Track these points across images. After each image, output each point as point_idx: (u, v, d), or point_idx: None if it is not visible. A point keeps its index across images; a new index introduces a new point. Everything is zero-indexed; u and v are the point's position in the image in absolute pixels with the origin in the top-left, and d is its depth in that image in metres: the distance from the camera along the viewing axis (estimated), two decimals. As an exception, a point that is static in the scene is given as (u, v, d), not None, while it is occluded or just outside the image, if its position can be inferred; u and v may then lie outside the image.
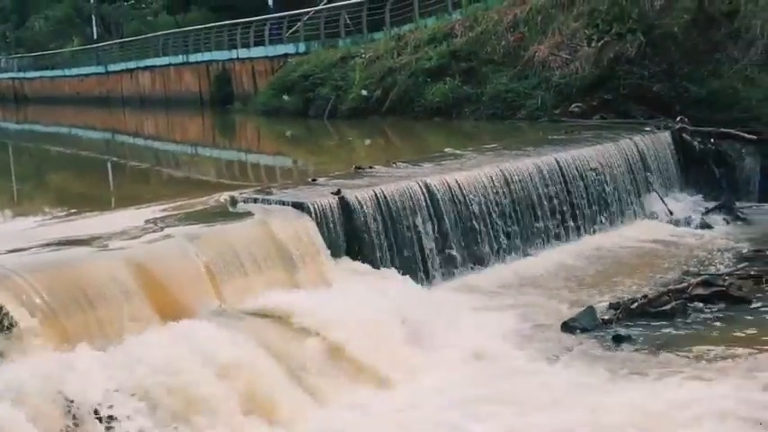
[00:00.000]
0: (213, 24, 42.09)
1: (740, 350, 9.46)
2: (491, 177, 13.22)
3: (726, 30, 18.72)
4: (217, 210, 11.13)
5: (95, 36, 60.83)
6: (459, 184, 12.73)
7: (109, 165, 24.54)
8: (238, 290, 9.39)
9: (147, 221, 10.25)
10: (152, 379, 7.40)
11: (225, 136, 31.99)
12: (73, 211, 12.65)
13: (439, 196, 12.36)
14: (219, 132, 33.44)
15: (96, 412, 6.99)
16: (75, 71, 58.27)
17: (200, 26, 43.66)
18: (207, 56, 41.67)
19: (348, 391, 8.54)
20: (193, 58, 43.02)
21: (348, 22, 33.17)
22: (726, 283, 11.45)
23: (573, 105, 19.91)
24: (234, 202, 11.33)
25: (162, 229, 9.88)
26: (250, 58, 37.61)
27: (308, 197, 11.31)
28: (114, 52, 53.65)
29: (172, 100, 44.17)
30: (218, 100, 39.33)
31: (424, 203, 12.16)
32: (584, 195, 14.57)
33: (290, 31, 36.08)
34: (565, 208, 14.19)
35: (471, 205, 12.72)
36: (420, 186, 12.28)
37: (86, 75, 56.36)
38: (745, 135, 16.86)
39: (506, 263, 12.95)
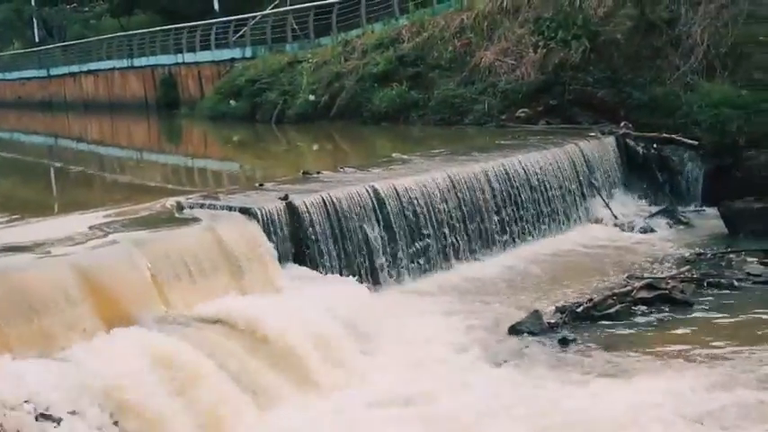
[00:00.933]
0: (159, 28, 41.67)
1: (682, 352, 9.63)
2: (439, 182, 13.28)
3: (667, 36, 19.02)
4: (163, 215, 11.02)
5: (37, 39, 59.75)
6: (407, 189, 12.77)
7: (52, 170, 24.13)
8: (185, 296, 9.31)
9: (91, 227, 10.12)
10: (96, 387, 7.29)
11: (171, 141, 31.67)
12: (15, 217, 12.39)
13: (387, 201, 12.38)
14: (165, 137, 33.10)
15: (38, 420, 6.86)
16: (16, 75, 57.26)
17: (145, 30, 43.20)
18: (152, 60, 41.22)
19: (295, 396, 8.51)
20: (138, 62, 42.53)
21: (295, 26, 33.09)
22: (669, 287, 11.65)
23: (519, 111, 20.07)
24: (180, 207, 11.23)
25: (107, 235, 9.76)
26: (196, 63, 37.30)
27: (256, 202, 11.25)
28: (57, 56, 52.77)
29: (117, 104, 43.60)
30: (164, 105, 38.91)
31: (372, 208, 12.18)
32: (531, 200, 14.69)
33: (237, 35, 35.89)
34: (512, 212, 14.30)
35: (419, 210, 12.76)
36: (368, 191, 12.29)
37: (28, 78, 55.42)
38: (687, 140, 17.15)
39: (454, 267, 13.03)
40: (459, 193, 13.45)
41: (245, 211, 10.92)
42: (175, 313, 9.04)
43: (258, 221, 10.79)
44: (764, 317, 10.74)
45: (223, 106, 30.45)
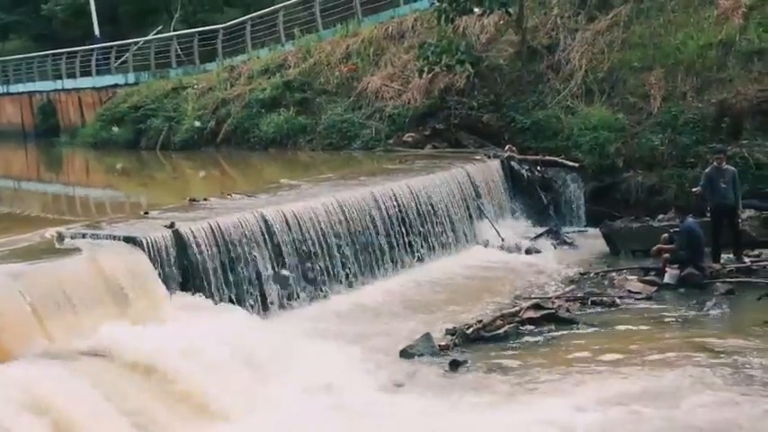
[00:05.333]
0: (35, 54, 40.47)
1: (569, 370, 9.83)
2: (328, 207, 13.26)
3: (548, 62, 19.56)
4: (43, 246, 10.65)
5: None
6: (295, 215, 12.69)
7: None
8: (68, 329, 9.01)
9: (-35, 261, 9.68)
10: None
11: (51, 170, 30.72)
12: None
13: (275, 227, 12.28)
14: (45, 166, 32.08)
15: None
16: None
17: (20, 56, 41.87)
18: (29, 86, 39.99)
19: (186, 428, 8.29)
20: (14, 88, 41.15)
21: (179, 52, 32.68)
22: (555, 306, 11.92)
23: (406, 135, 20.26)
24: (61, 237, 10.87)
25: (-18, 268, 9.35)
26: (77, 89, 36.36)
27: (141, 231, 10.99)
28: (-72, 82, 50.56)
29: (-9, 132, 42.04)
30: (43, 132, 37.74)
31: (260, 235, 12.05)
32: (419, 224, 14.81)
33: (119, 61, 35.19)
34: (401, 237, 14.38)
35: (308, 236, 12.70)
36: (256, 218, 12.17)
37: None
38: (568, 163, 17.61)
39: (344, 292, 12.99)
40: (348, 218, 13.45)
41: (129, 240, 10.65)
42: (58, 347, 8.72)
43: (144, 250, 10.53)
44: (646, 333, 11.07)
45: (106, 133, 29.78)
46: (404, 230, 14.46)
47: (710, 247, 13.69)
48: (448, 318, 11.91)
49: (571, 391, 9.15)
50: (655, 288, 12.90)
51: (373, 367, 10.03)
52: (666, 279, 13.08)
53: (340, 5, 26.92)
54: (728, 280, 13.00)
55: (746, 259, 13.73)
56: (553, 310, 11.73)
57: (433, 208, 15.16)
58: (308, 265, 12.66)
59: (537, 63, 19.74)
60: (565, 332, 11.26)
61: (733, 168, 14.10)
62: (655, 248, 13.54)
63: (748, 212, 14.65)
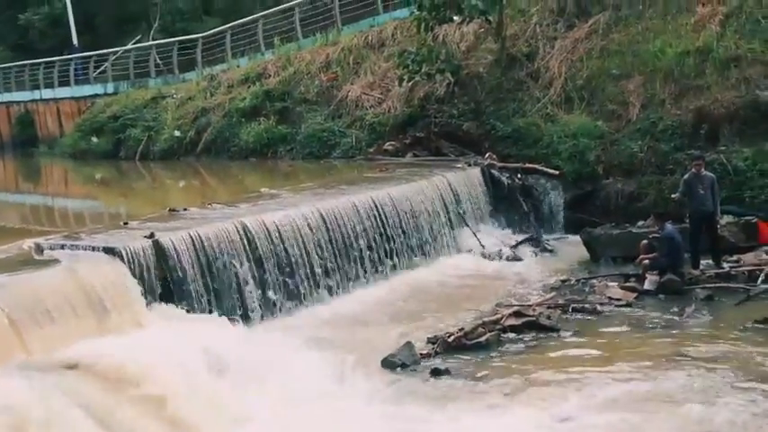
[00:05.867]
0: (13, 64, 40.22)
1: (551, 378, 9.84)
2: (308, 217, 13.23)
3: (527, 70, 19.64)
4: (21, 258, 10.55)
5: None
6: (276, 225, 12.66)
7: None
8: (46, 341, 8.93)
9: (-59, 273, 9.59)
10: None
11: (29, 180, 30.53)
12: None
13: (256, 237, 12.23)
14: (23, 177, 31.88)
15: None
16: None
17: (-2, 66, 41.68)
18: (7, 96, 39.73)
19: (166, 441, 8.24)
20: (-8, 98, 40.92)
21: (158, 61, 32.58)
22: (536, 313, 11.92)
23: (387, 144, 20.27)
24: (40, 249, 10.78)
25: (-41, 280, 9.27)
26: (55, 99, 36.19)
27: (120, 241, 10.91)
28: None
29: (-31, 143, 41.70)
30: (21, 143, 37.51)
31: (241, 245, 12.00)
32: (400, 232, 14.81)
33: (98, 71, 35.05)
34: (382, 245, 14.37)
35: (289, 245, 12.66)
36: (237, 227, 12.12)
37: None
38: (548, 170, 17.66)
39: (325, 301, 12.96)
40: (329, 227, 13.43)
41: (109, 250, 10.58)
42: (36, 359, 8.63)
43: (123, 261, 10.46)
44: (626, 340, 11.10)
45: (84, 143, 29.64)
46: (385, 239, 14.46)
47: (690, 253, 13.76)
48: (429, 326, 11.89)
49: (553, 398, 9.15)
50: (635, 294, 12.94)
51: (354, 376, 9.99)
52: (646, 285, 13.14)
53: (319, 14, 26.97)
54: (708, 286, 13.07)
55: (725, 265, 13.81)
56: (534, 318, 11.74)
57: (413, 216, 15.16)
58: (289, 273, 12.62)
59: (516, 71, 19.81)
60: (546, 339, 11.28)
61: (711, 175, 14.19)
62: (638, 260, 13.58)
63: (727, 218, 14.74)
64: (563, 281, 14.05)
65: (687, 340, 10.81)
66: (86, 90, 34.65)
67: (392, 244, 14.58)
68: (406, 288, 13.86)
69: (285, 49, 26.34)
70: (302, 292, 12.77)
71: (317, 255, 13.11)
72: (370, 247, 14.11)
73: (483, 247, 16.01)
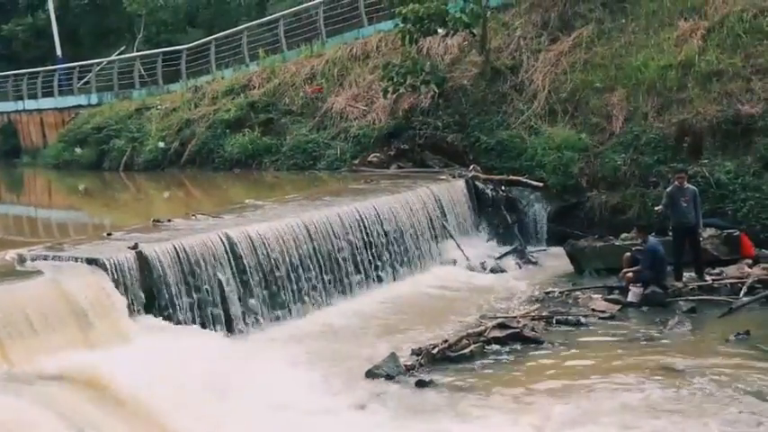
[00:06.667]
0: (-4, 74, 40.03)
1: (535, 389, 9.86)
2: (293, 228, 13.22)
3: (511, 82, 19.71)
4: (2, 269, 10.50)
5: None
6: (260, 236, 12.64)
7: None
8: (28, 352, 8.89)
9: None
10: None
11: (12, 191, 30.31)
12: None
13: (240, 248, 12.21)
14: (6, 187, 31.63)
15: None
16: None
17: (-20, 76, 41.43)
18: (-10, 107, 39.52)
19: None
20: (-25, 109, 40.66)
21: (143, 72, 32.51)
22: (520, 325, 11.94)
23: (371, 155, 20.30)
24: (22, 259, 10.74)
25: (-60, 291, 9.21)
26: (38, 110, 35.98)
27: (104, 252, 10.88)
28: None
29: (-49, 153, 41.42)
30: (4, 153, 37.26)
31: (225, 256, 11.99)
32: (385, 244, 14.81)
33: (82, 81, 34.93)
34: (366, 257, 14.38)
35: (273, 256, 12.65)
36: (221, 238, 12.10)
37: None
38: (532, 182, 17.72)
39: (309, 313, 12.96)
40: (313, 239, 13.42)
41: (92, 261, 10.55)
42: (19, 371, 8.59)
43: (107, 272, 10.43)
44: (610, 351, 11.14)
45: (68, 154, 29.51)
46: (369, 250, 14.46)
47: (673, 266, 13.82)
48: (413, 337, 11.90)
49: (537, 410, 9.17)
50: (618, 307, 13.00)
51: (338, 387, 9.99)
52: (630, 298, 13.20)
53: (304, 26, 26.98)
54: (691, 298, 13.15)
55: (708, 277, 13.88)
56: (518, 330, 11.76)
57: (398, 228, 15.17)
58: (273, 285, 12.61)
59: (500, 83, 19.88)
60: (530, 351, 11.30)
61: (694, 188, 14.27)
62: (621, 272, 13.64)
63: (709, 231, 14.82)
64: (547, 293, 14.08)
65: (670, 352, 10.86)
66: (70, 101, 34.47)
67: (376, 255, 14.58)
68: (390, 299, 13.87)
69: (270, 60, 26.33)
70: (287, 303, 12.75)
71: (302, 266, 13.09)
72: (354, 259, 14.10)
73: (467, 258, 16.03)
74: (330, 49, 24.75)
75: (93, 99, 33.14)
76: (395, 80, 20.08)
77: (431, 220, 16.14)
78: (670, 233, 14.29)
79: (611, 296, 13.47)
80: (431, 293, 14.41)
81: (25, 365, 8.73)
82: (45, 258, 10.74)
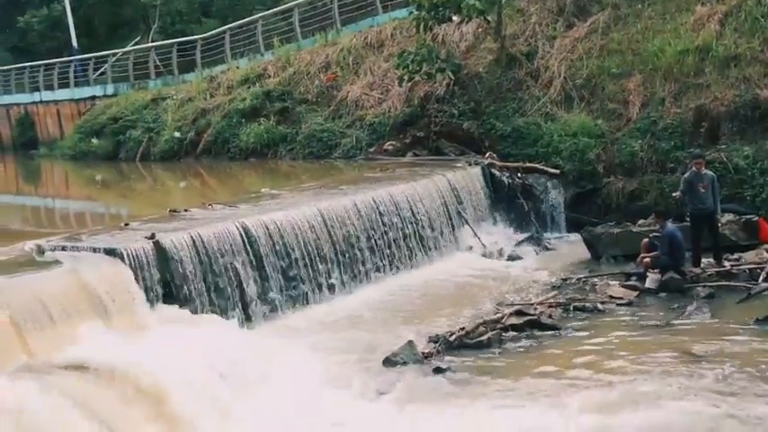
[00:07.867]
0: (12, 66, 40.21)
1: (553, 376, 9.84)
2: (309, 217, 13.24)
3: (527, 69, 19.64)
4: (21, 259, 10.56)
5: None
6: (277, 225, 12.66)
7: None
8: (48, 343, 8.92)
9: (-57, 274, 9.58)
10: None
11: (30, 182, 30.51)
12: None
13: (257, 237, 12.24)
14: (24, 178, 31.87)
15: None
16: None
17: (-2, 68, 41.69)
18: (6, 99, 39.69)
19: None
20: (-8, 101, 40.91)
21: (158, 63, 32.58)
22: (537, 312, 11.93)
23: (387, 143, 20.28)
24: (41, 250, 10.78)
25: (-40, 282, 9.26)
26: (55, 101, 36.17)
27: (121, 242, 10.92)
28: None
29: (-31, 145, 41.66)
30: (22, 145, 37.52)
31: (242, 245, 12.01)
32: (401, 232, 14.81)
33: (97, 72, 35.05)
34: (383, 245, 14.38)
35: (290, 245, 12.67)
36: (238, 228, 12.12)
37: None
38: (549, 169, 17.67)
39: (327, 301, 12.98)
40: (329, 227, 13.43)
41: (110, 252, 10.58)
42: (38, 362, 8.63)
43: (125, 262, 10.47)
44: (628, 338, 11.10)
45: (84, 145, 29.63)
46: (386, 238, 14.46)
47: (691, 252, 13.76)
48: (431, 325, 11.89)
49: (554, 397, 9.15)
50: (636, 293, 12.95)
51: (356, 375, 10.00)
52: (648, 284, 13.14)
53: (318, 15, 26.96)
54: (709, 284, 13.06)
55: (726, 263, 13.80)
56: (535, 317, 11.74)
57: (414, 216, 15.17)
58: (290, 274, 12.63)
59: (516, 70, 19.82)
60: (547, 338, 11.28)
61: (712, 173, 14.18)
62: (639, 258, 13.59)
63: (727, 217, 14.74)
64: (564, 279, 14.04)
65: (689, 338, 10.81)
66: (86, 92, 34.64)
67: (393, 244, 14.58)
68: (406, 287, 13.87)
69: (284, 49, 26.34)
70: (304, 292, 12.78)
71: (319, 255, 13.11)
72: (370, 247, 14.12)
73: (484, 246, 16.02)
74: (345, 37, 24.73)
75: (109, 90, 33.28)
76: (410, 68, 20.02)
77: (447, 208, 16.12)
78: (688, 219, 14.22)
79: (629, 282, 13.41)
80: (447, 281, 14.40)
81: (44, 356, 8.76)
82: (63, 249, 10.78)
